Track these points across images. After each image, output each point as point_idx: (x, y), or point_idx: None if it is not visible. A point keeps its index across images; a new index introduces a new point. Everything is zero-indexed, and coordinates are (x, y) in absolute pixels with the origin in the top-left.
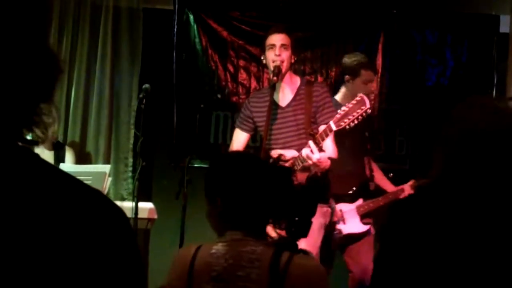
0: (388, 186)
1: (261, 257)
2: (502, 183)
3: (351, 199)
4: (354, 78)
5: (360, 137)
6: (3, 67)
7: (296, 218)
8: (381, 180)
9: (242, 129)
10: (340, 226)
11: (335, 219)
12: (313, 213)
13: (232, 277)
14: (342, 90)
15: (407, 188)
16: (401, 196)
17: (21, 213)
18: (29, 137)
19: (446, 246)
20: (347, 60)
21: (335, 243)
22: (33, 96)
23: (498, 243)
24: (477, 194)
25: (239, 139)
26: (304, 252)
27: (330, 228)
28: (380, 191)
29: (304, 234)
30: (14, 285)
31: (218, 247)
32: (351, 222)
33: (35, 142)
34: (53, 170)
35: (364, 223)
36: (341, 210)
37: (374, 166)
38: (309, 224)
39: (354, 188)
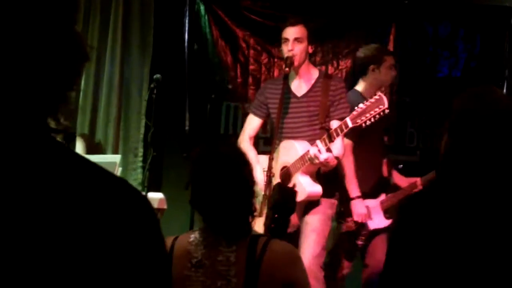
0: (401, 180)
1: (239, 241)
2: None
3: (374, 195)
4: (379, 65)
5: (379, 132)
6: (30, 53)
7: (276, 215)
8: (397, 179)
9: (256, 115)
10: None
11: (356, 219)
12: (290, 213)
13: (212, 262)
14: (366, 80)
15: (419, 182)
16: (416, 190)
17: (51, 201)
18: (54, 126)
19: (453, 242)
20: (367, 51)
21: (364, 240)
22: (59, 83)
23: (502, 236)
24: (478, 186)
25: (252, 124)
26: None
27: (356, 225)
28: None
29: (283, 232)
30: (43, 270)
31: (196, 235)
32: (377, 218)
33: (61, 131)
34: (78, 158)
35: (387, 218)
36: (367, 207)
37: (396, 173)
38: (287, 222)
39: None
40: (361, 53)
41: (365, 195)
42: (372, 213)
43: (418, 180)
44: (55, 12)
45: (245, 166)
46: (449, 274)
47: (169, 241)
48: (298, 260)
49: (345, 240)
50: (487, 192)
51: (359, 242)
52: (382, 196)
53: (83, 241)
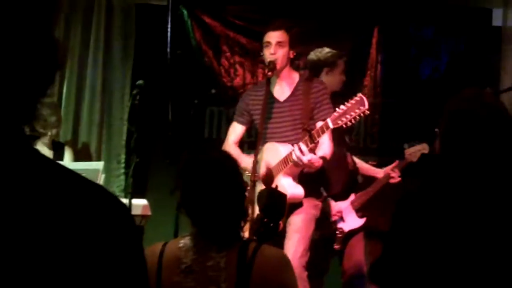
0: (376, 172)
1: (229, 247)
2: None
3: (343, 196)
4: (333, 69)
5: (340, 133)
6: (4, 58)
7: (265, 220)
8: (367, 170)
9: (239, 122)
10: (341, 225)
11: (335, 218)
12: (280, 217)
13: (202, 267)
14: None
15: (392, 173)
16: (390, 181)
17: (24, 209)
18: (28, 133)
19: (449, 239)
20: (320, 54)
21: (340, 244)
22: (33, 89)
23: (496, 233)
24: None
25: (236, 132)
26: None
27: (330, 229)
28: (367, 182)
29: (272, 236)
30: (15, 283)
31: (186, 241)
32: (349, 219)
33: (35, 137)
34: (55, 165)
35: (359, 217)
36: (339, 209)
37: (356, 159)
38: (277, 226)
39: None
40: (314, 56)
41: (336, 196)
42: (344, 215)
43: (391, 168)
44: (30, 15)
45: (237, 171)
46: (446, 271)
47: (158, 247)
48: (288, 265)
49: (321, 247)
50: (482, 190)
51: (336, 247)
52: (352, 197)
53: (58, 250)
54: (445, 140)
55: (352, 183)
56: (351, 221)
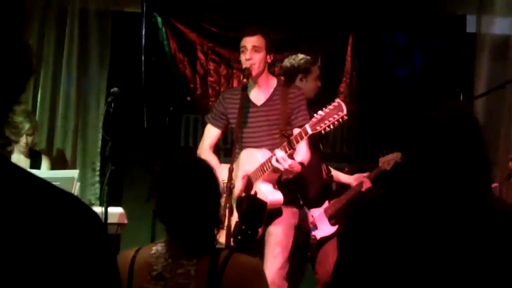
0: (349, 180)
1: (201, 254)
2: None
3: (317, 203)
4: (307, 75)
5: (314, 140)
6: None
7: (243, 227)
8: (341, 177)
9: (215, 125)
10: (314, 232)
11: (311, 226)
12: (258, 225)
13: (172, 275)
14: None
15: (366, 181)
16: (363, 189)
17: None
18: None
19: (403, 248)
20: (294, 61)
21: (313, 249)
22: (4, 96)
23: (453, 241)
24: (432, 192)
25: (211, 135)
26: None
27: (305, 236)
28: (341, 190)
29: (251, 244)
30: None
31: (158, 247)
32: (322, 226)
33: (6, 145)
34: (25, 174)
35: (332, 224)
36: (312, 216)
37: (330, 167)
38: (255, 234)
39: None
40: (287, 63)
41: (310, 203)
42: (317, 222)
43: (363, 177)
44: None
45: (212, 178)
46: (399, 279)
47: (131, 253)
48: (260, 274)
49: (295, 255)
50: (439, 200)
51: (308, 254)
52: (326, 204)
53: (29, 260)
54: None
55: (326, 190)
56: (324, 228)
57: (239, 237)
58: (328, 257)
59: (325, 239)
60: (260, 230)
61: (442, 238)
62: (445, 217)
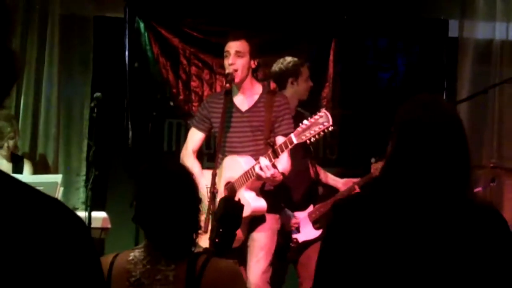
0: (338, 183)
1: (179, 260)
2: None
3: (302, 207)
4: (297, 78)
5: (302, 143)
6: None
7: (221, 230)
8: (329, 180)
9: (198, 129)
10: (295, 235)
11: (293, 228)
12: (236, 227)
13: (151, 280)
14: (286, 94)
15: (354, 188)
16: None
17: None
18: None
19: (386, 247)
20: (282, 65)
21: (292, 254)
22: None
23: (435, 239)
24: (414, 189)
25: (194, 138)
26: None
27: (286, 239)
28: (328, 194)
29: (228, 246)
30: None
31: (135, 253)
32: (305, 230)
33: None
34: (9, 179)
35: (316, 228)
36: (296, 217)
37: (319, 169)
38: (233, 236)
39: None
40: (276, 67)
41: (294, 206)
42: (300, 226)
43: (355, 181)
44: None
45: (191, 184)
46: (382, 278)
47: (108, 258)
48: (239, 278)
49: (276, 258)
50: (424, 198)
51: (289, 256)
52: (310, 208)
53: (12, 264)
54: (394, 150)
55: (312, 194)
56: (307, 232)
57: (216, 239)
58: (311, 261)
59: (307, 243)
60: (238, 233)
61: (422, 236)
62: (426, 214)
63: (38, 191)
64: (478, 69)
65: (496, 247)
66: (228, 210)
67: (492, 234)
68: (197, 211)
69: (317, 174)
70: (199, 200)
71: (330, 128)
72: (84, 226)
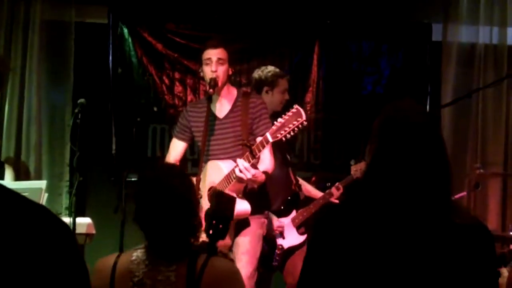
0: (316, 193)
1: (179, 260)
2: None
3: (284, 213)
4: (273, 88)
5: (282, 149)
6: None
7: (214, 222)
8: (309, 191)
9: (180, 138)
10: (280, 242)
11: (276, 232)
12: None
13: (153, 281)
14: None
15: (335, 191)
16: (331, 199)
17: None
18: None
19: (370, 253)
20: (262, 73)
21: (278, 261)
22: None
23: (416, 251)
24: (397, 193)
25: (177, 148)
26: (222, 253)
27: (271, 246)
28: (309, 199)
29: (222, 237)
30: None
31: (138, 254)
32: (290, 235)
33: None
34: None
35: (301, 234)
36: (279, 221)
37: (299, 179)
38: (227, 227)
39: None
40: (256, 74)
41: (277, 213)
42: (285, 231)
43: (333, 188)
44: None
45: (188, 187)
46: (366, 284)
47: (112, 259)
48: (237, 276)
49: (260, 264)
50: (406, 203)
51: (274, 263)
52: (293, 213)
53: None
54: (375, 155)
55: (294, 200)
56: (291, 238)
57: (210, 231)
58: (297, 267)
59: (293, 249)
60: (227, 238)
61: (404, 247)
62: (408, 225)
63: (25, 197)
64: (461, 72)
65: (476, 256)
66: (218, 203)
67: (473, 243)
68: (194, 214)
69: (297, 180)
70: (196, 204)
71: (304, 124)
72: (70, 232)
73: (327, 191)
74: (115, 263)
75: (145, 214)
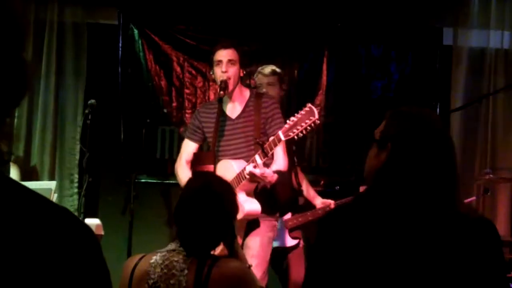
0: (316, 200)
1: (189, 265)
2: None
3: (281, 213)
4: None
5: (289, 151)
6: None
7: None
8: (311, 193)
9: (192, 139)
10: None
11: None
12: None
13: (166, 285)
14: None
15: (333, 205)
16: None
17: None
18: None
19: (375, 256)
20: (259, 72)
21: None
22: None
23: (424, 253)
24: (401, 199)
25: (188, 149)
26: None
27: None
28: (307, 205)
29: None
30: None
31: (157, 257)
32: (280, 236)
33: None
34: (20, 188)
35: (293, 237)
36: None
37: (303, 180)
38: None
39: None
40: (260, 72)
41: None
42: (276, 232)
43: (332, 203)
44: (2, 37)
45: (228, 198)
46: (373, 283)
47: (135, 259)
48: (245, 276)
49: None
50: (412, 210)
51: None
52: (288, 215)
53: (24, 271)
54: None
55: (292, 202)
56: (282, 239)
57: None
58: (291, 270)
59: (284, 251)
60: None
61: (411, 249)
62: (414, 228)
63: (47, 199)
64: (471, 77)
65: (483, 258)
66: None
67: (480, 244)
68: (231, 223)
69: (299, 184)
70: (233, 213)
71: (317, 122)
72: (93, 235)
73: (326, 203)
74: (136, 264)
75: (187, 216)
